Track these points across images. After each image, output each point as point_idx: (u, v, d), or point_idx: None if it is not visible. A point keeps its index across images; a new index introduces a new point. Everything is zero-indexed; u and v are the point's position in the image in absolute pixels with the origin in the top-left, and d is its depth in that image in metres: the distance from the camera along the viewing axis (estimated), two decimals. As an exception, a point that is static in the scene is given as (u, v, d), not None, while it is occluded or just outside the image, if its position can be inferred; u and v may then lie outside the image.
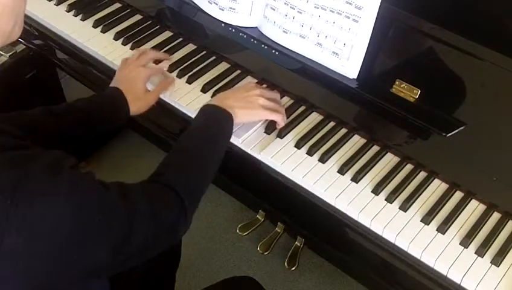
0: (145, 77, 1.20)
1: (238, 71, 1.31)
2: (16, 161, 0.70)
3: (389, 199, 1.05)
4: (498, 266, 0.96)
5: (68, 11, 1.47)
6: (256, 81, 1.28)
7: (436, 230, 1.01)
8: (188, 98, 1.24)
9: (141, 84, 1.19)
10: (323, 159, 1.12)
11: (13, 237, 0.67)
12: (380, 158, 1.13)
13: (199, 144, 1.03)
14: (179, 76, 1.29)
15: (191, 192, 0.94)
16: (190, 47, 1.38)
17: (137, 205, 0.82)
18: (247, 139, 1.16)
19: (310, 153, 1.13)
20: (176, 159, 0.99)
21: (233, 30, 1.32)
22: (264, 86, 1.24)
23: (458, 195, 1.07)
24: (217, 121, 1.07)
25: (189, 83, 1.28)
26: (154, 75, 1.26)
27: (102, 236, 0.76)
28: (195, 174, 0.98)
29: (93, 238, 0.75)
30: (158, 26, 1.42)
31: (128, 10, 1.47)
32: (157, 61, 1.31)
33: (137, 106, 1.17)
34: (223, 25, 1.33)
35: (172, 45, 1.38)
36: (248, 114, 1.11)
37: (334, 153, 1.13)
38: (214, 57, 1.34)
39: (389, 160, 1.13)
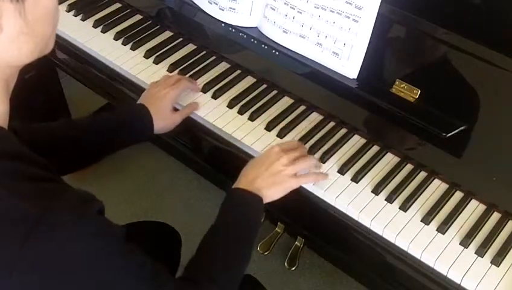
0: (172, 97, 1.19)
1: (238, 71, 1.31)
2: (39, 194, 0.67)
3: (389, 199, 1.05)
4: (498, 266, 0.96)
5: (68, 11, 1.47)
6: (255, 80, 1.28)
7: (436, 230, 1.01)
8: (187, 98, 1.24)
9: (168, 103, 1.17)
10: (323, 159, 1.12)
11: (25, 272, 0.65)
12: (380, 158, 1.13)
13: (231, 237, 0.97)
14: (179, 76, 1.29)
15: (229, 284, 0.91)
16: (190, 47, 1.37)
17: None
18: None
19: (310, 153, 1.13)
20: (208, 256, 0.94)
21: (233, 30, 1.31)
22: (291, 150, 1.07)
23: (458, 195, 1.07)
24: (246, 207, 1.00)
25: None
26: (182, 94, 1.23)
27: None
28: (231, 267, 0.94)
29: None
30: (158, 26, 1.42)
31: (128, 10, 1.47)
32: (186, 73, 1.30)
33: (161, 124, 1.16)
34: (223, 25, 1.33)
35: (172, 45, 1.38)
36: (278, 192, 1.03)
37: (334, 153, 1.13)
38: (214, 57, 1.34)
39: (389, 160, 1.13)
